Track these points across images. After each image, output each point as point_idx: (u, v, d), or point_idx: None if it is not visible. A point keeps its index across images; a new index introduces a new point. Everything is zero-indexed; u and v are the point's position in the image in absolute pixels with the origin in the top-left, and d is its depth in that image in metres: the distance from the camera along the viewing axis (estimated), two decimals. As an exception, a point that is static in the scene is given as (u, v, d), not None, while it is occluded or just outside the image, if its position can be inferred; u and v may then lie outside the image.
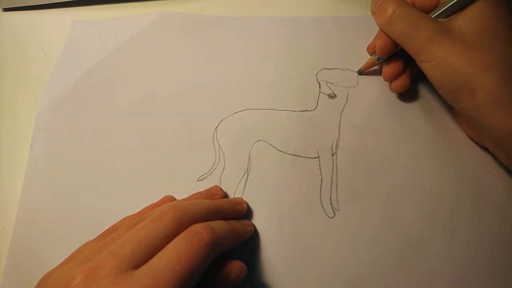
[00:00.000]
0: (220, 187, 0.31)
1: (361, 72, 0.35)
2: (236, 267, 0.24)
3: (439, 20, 0.29)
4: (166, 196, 0.30)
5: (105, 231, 0.26)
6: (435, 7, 0.30)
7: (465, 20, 0.27)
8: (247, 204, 0.30)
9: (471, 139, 0.32)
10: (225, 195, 0.31)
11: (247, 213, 0.30)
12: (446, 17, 0.29)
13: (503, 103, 0.26)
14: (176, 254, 0.20)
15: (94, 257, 0.21)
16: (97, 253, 0.21)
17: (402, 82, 0.32)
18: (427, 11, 0.30)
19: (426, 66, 0.29)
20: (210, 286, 0.23)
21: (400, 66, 0.32)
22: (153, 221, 0.22)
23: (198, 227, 0.22)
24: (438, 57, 0.27)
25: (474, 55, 0.26)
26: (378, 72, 0.35)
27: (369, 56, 0.34)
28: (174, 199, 0.30)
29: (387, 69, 0.32)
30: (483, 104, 0.26)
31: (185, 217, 0.23)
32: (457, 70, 0.27)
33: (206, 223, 0.23)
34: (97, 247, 0.22)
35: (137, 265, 0.20)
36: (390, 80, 0.33)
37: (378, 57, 0.33)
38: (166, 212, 0.23)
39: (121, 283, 0.19)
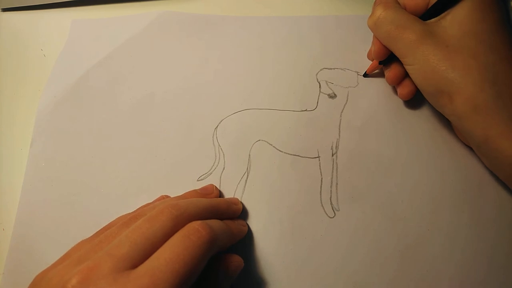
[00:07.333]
0: (215, 186, 0.31)
1: (366, 75, 0.35)
2: (234, 261, 0.24)
3: (428, 21, 0.28)
4: (162, 196, 0.30)
5: (100, 230, 0.26)
6: (426, 8, 0.29)
7: (451, 22, 0.27)
8: (247, 205, 0.30)
9: (461, 140, 0.31)
10: (220, 195, 0.31)
11: (247, 213, 0.30)
12: (436, 17, 0.28)
13: (481, 109, 0.25)
14: (174, 253, 0.20)
15: (89, 256, 0.21)
16: (92, 252, 0.21)
17: (407, 88, 0.31)
18: (418, 13, 0.29)
19: (409, 70, 0.29)
20: (209, 280, 0.23)
21: (399, 70, 0.31)
22: (150, 220, 0.22)
23: (196, 225, 0.22)
24: (420, 61, 0.27)
25: (455, 59, 0.26)
26: (381, 74, 0.35)
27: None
28: None
29: (388, 73, 0.32)
30: (461, 109, 0.26)
31: (182, 216, 0.23)
32: (437, 75, 0.26)
33: (204, 221, 0.23)
34: (92, 245, 0.22)
35: (134, 265, 0.20)
36: (393, 83, 0.32)
37: (380, 61, 0.32)
38: (162, 211, 0.23)
39: (118, 284, 0.18)
